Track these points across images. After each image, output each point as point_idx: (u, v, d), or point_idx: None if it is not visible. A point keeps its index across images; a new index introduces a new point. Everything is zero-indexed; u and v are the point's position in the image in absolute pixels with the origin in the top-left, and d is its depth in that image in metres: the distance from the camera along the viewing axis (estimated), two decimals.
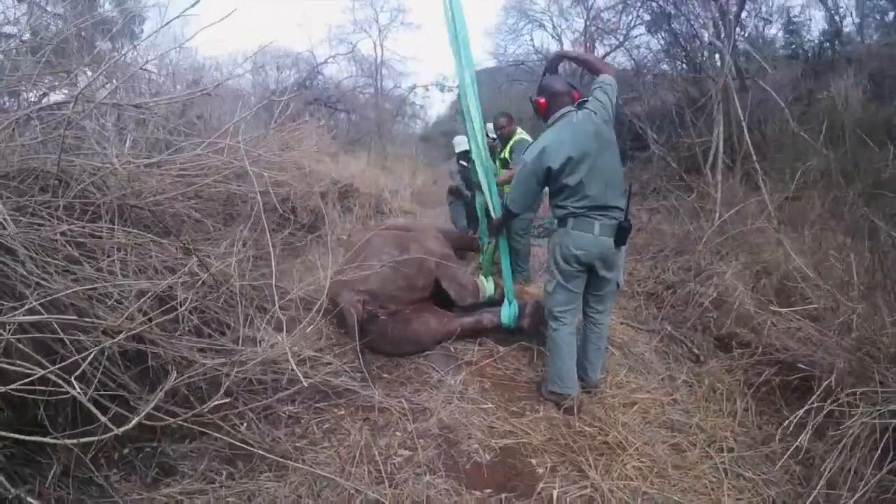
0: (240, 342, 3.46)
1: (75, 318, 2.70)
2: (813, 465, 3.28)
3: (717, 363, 4.47)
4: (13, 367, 2.33)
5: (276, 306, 3.36)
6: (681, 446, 3.63)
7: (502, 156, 6.66)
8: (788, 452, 3.30)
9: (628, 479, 3.30)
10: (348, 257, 4.84)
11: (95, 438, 2.30)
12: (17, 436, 2.26)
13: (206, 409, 2.85)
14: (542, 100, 3.98)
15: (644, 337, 5.06)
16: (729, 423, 3.87)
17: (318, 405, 3.83)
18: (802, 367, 3.82)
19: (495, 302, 4.97)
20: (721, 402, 4.07)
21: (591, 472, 3.34)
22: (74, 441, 2.30)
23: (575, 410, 3.91)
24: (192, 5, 3.50)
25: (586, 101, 3.85)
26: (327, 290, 4.09)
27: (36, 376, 2.27)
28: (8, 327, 2.43)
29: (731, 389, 4.17)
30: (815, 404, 3.30)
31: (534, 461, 3.49)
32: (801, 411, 3.34)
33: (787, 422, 3.43)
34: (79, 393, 2.21)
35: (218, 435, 3.02)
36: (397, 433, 3.65)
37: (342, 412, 3.82)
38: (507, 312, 4.79)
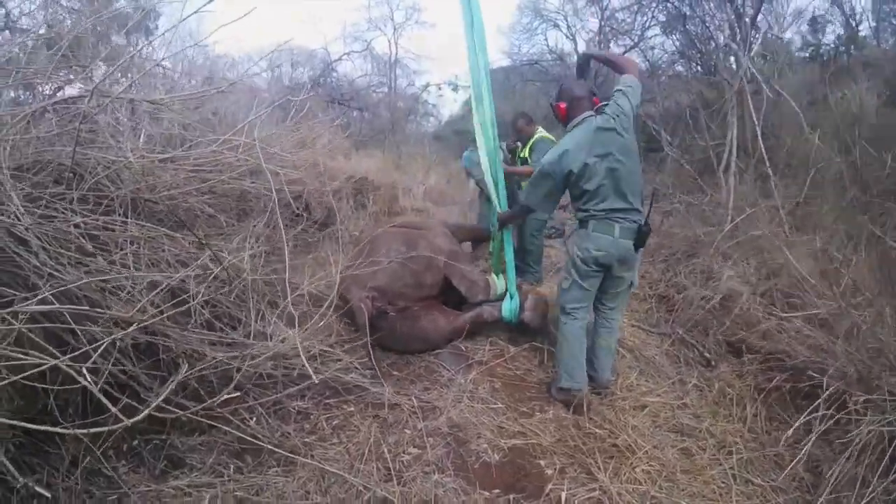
0: (251, 337, 3.47)
1: (87, 308, 2.71)
2: (820, 472, 3.27)
3: (727, 368, 4.46)
4: (25, 358, 2.34)
5: (288, 300, 3.36)
6: (690, 451, 3.62)
7: (522, 155, 6.65)
8: (797, 460, 3.30)
9: (637, 483, 3.30)
10: (357, 254, 4.84)
11: (106, 429, 2.31)
12: (28, 425, 2.27)
13: (216, 403, 2.86)
14: (563, 104, 3.99)
15: (655, 340, 5.04)
16: (738, 428, 3.86)
17: (327, 401, 3.83)
18: (812, 373, 3.79)
19: (500, 297, 4.96)
20: (731, 407, 4.06)
21: (599, 474, 3.34)
22: (84, 431, 2.30)
23: (584, 412, 3.91)
24: (208, 2, 3.51)
25: (606, 105, 3.85)
26: (338, 287, 4.10)
27: (47, 366, 2.28)
28: (20, 317, 2.44)
29: (742, 394, 4.16)
30: (823, 411, 3.30)
31: (542, 462, 3.48)
32: (803, 418, 3.35)
33: (791, 428, 3.43)
34: (89, 383, 2.22)
35: (227, 429, 3.03)
36: (407, 431, 3.65)
37: (352, 409, 3.82)
38: (508, 306, 4.77)
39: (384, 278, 4.51)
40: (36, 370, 2.29)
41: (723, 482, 3.35)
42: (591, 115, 3.86)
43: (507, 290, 4.89)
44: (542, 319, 4.76)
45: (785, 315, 4.56)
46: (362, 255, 4.67)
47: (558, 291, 4.22)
